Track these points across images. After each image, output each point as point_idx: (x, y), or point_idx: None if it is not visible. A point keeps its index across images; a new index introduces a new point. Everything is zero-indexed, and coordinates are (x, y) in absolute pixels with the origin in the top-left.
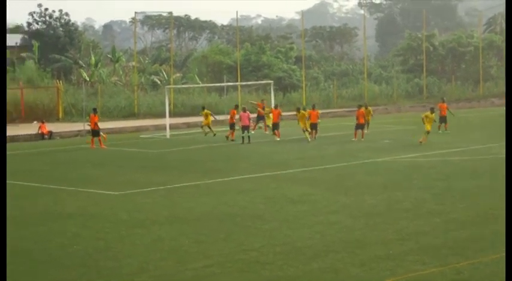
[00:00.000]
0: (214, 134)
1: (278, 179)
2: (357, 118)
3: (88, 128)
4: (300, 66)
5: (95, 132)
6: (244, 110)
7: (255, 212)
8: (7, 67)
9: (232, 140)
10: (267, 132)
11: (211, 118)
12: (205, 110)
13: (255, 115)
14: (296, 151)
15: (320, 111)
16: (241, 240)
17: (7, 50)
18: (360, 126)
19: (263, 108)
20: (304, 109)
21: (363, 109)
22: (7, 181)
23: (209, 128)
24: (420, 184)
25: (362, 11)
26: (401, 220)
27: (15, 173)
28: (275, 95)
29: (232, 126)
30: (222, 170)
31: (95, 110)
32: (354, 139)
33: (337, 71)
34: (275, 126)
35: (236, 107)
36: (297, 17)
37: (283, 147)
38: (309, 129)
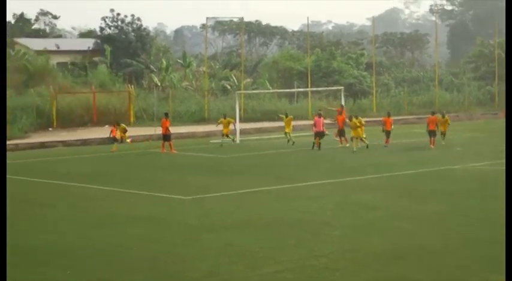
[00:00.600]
0: (221, 145)
1: (348, 185)
2: (428, 125)
3: (159, 132)
4: (370, 73)
5: (166, 136)
6: (319, 116)
7: (325, 218)
8: (80, 71)
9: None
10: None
11: (231, 127)
12: (227, 118)
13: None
14: (366, 157)
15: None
16: (311, 246)
17: (80, 55)
18: (431, 133)
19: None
20: (356, 117)
21: (435, 116)
22: (78, 184)
23: (227, 136)
24: (492, 192)
25: (433, 18)
26: (471, 228)
27: (87, 176)
28: (345, 101)
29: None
30: (292, 176)
31: (166, 114)
32: (431, 146)
33: (407, 78)
34: (341, 132)
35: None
36: (368, 23)
37: (354, 153)
38: (362, 138)
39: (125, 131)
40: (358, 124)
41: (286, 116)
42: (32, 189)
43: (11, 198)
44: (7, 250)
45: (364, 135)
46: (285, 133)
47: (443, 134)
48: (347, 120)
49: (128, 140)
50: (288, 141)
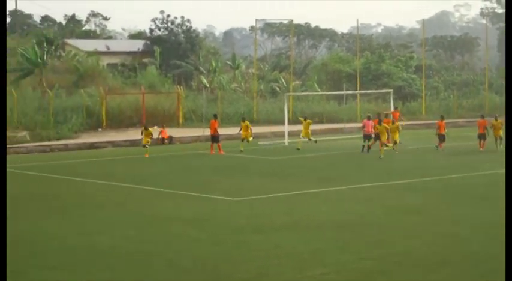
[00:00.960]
0: (241, 151)
1: (397, 188)
2: (478, 128)
3: (207, 133)
4: (420, 76)
5: (215, 138)
6: (368, 118)
7: (373, 221)
8: (129, 72)
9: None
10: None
11: (250, 132)
12: (246, 122)
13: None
14: (416, 160)
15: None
16: (359, 249)
17: (130, 56)
18: (481, 137)
19: (400, 119)
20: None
21: (485, 120)
22: (126, 185)
23: (247, 140)
24: None
25: (484, 21)
26: None
27: (136, 177)
28: (394, 104)
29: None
30: (341, 178)
31: (215, 116)
32: (481, 149)
33: (457, 81)
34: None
35: (378, 116)
36: (418, 26)
37: (402, 156)
38: (394, 142)
39: (151, 136)
40: (396, 128)
41: (305, 120)
42: (80, 189)
43: (58, 198)
44: (56, 251)
45: (398, 139)
46: (301, 137)
47: (499, 138)
48: (376, 125)
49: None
50: (310, 140)
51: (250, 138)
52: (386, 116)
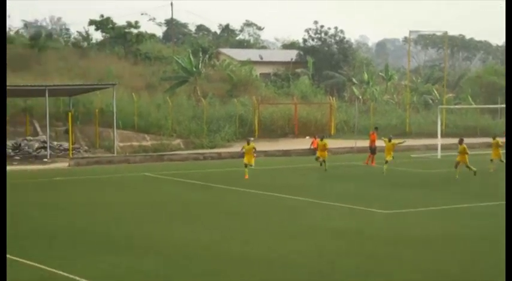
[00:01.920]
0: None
1: None
2: None
3: (359, 145)
4: None
5: (372, 149)
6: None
7: None
8: (282, 82)
9: None
10: None
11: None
12: (324, 140)
13: None
14: None
15: None
16: None
17: (282, 66)
18: None
19: None
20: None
21: None
22: (275, 194)
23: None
24: None
25: None
26: None
27: (286, 187)
28: None
29: None
30: (495, 194)
31: (376, 128)
32: None
33: None
34: None
35: None
36: None
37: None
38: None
39: (254, 150)
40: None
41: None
42: (231, 198)
43: (211, 206)
44: (207, 257)
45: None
46: (316, 158)
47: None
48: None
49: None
50: (321, 164)
51: (321, 159)
52: None
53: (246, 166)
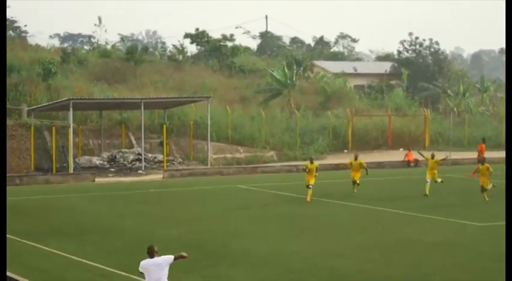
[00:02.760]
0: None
1: None
2: None
3: (454, 156)
4: None
5: (482, 161)
6: None
7: None
8: (376, 94)
9: None
10: None
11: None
12: (359, 159)
13: None
14: None
15: None
16: None
17: (377, 78)
18: None
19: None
20: (433, 157)
21: None
22: (370, 207)
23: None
24: None
25: None
26: None
27: (381, 200)
28: None
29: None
30: None
31: (483, 140)
32: None
33: None
34: None
35: None
36: None
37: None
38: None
39: (316, 171)
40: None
41: (432, 158)
42: (324, 211)
43: (310, 219)
44: (303, 271)
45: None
46: (307, 186)
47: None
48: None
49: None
50: (437, 182)
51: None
52: None
53: (307, 186)
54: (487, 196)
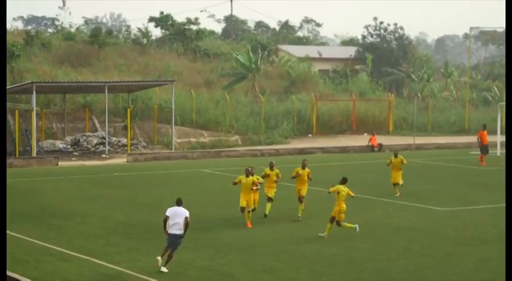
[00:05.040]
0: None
1: None
2: None
3: (417, 142)
4: None
5: (484, 148)
6: None
7: None
8: (340, 79)
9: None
10: None
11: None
12: (275, 169)
13: None
14: None
15: None
16: None
17: (341, 62)
18: None
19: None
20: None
21: None
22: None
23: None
24: None
25: None
26: None
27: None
28: None
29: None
30: None
31: (484, 126)
32: None
33: None
34: None
35: None
36: None
37: None
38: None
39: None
40: None
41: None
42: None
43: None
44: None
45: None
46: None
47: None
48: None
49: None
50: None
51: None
52: None
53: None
54: (397, 190)
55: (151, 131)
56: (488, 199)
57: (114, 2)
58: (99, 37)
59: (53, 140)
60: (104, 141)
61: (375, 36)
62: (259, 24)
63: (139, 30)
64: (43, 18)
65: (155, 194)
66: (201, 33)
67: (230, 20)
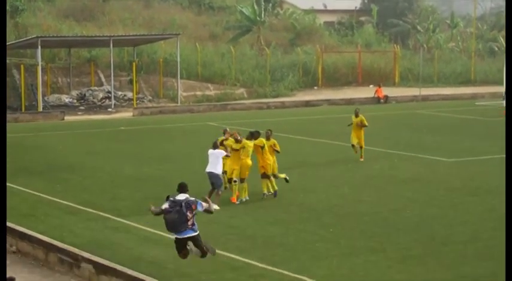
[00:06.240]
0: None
1: None
2: None
3: (424, 93)
4: None
5: None
6: None
7: None
8: (346, 30)
9: None
10: None
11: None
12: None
13: None
14: None
15: None
16: None
17: (347, 14)
18: None
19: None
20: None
21: None
22: (340, 143)
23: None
24: None
25: None
26: None
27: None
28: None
29: None
30: None
31: None
32: None
33: None
34: None
35: None
36: None
37: None
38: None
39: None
40: None
41: (268, 139)
42: (294, 147)
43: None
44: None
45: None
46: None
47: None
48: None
49: None
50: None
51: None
52: None
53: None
54: (359, 152)
55: (156, 85)
56: (495, 150)
57: None
58: None
59: (58, 95)
60: (110, 95)
61: None
62: None
63: None
64: None
65: (161, 148)
66: None
67: None
